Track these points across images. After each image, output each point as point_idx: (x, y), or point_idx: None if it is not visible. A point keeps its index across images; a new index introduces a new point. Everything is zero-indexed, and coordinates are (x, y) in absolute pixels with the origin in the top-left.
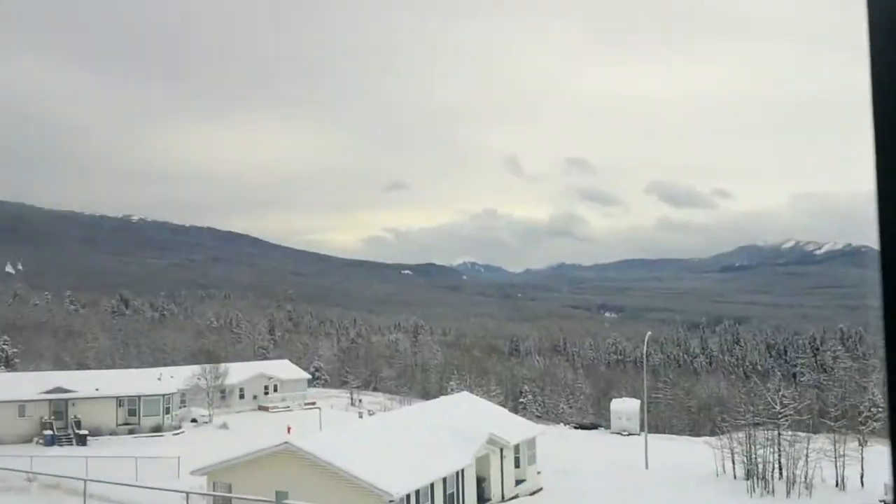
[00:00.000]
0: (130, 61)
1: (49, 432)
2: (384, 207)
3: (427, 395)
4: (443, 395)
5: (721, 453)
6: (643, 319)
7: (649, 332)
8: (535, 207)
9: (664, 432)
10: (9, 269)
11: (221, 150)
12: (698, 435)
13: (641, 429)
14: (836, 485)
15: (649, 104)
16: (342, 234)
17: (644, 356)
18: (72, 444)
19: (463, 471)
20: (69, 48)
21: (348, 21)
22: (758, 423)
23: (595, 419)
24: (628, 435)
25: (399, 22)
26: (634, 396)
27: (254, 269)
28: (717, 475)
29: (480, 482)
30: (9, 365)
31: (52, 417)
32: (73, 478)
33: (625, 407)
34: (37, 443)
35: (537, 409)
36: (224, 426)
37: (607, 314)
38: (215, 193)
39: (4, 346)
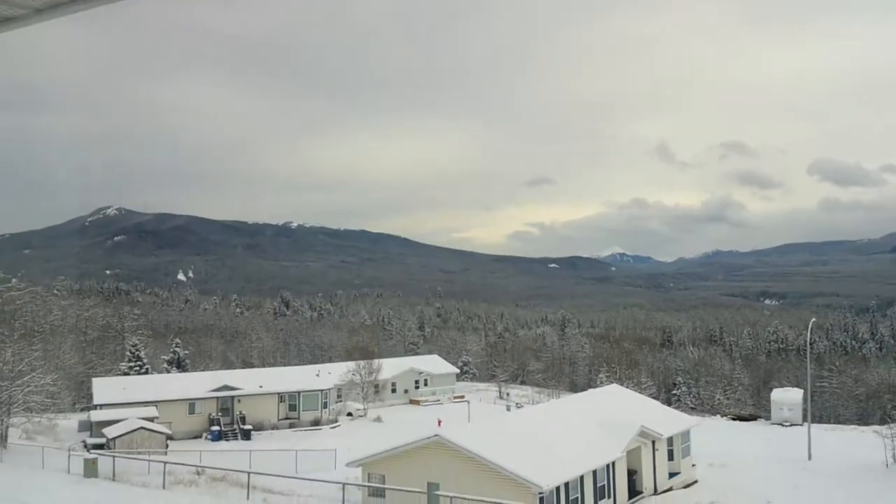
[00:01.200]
0: (286, 79)
1: (216, 428)
2: (529, 203)
3: (575, 388)
4: (591, 387)
5: (892, 443)
6: (807, 306)
7: (813, 319)
8: (687, 194)
9: (829, 422)
10: (181, 276)
11: (370, 157)
12: (867, 424)
13: (804, 419)
14: None
15: (806, 82)
16: (488, 231)
17: (808, 343)
18: (237, 439)
19: (614, 463)
20: (228, 69)
21: (490, 27)
22: None
23: (754, 410)
24: (790, 426)
25: (541, 21)
26: (797, 386)
27: (404, 268)
28: (887, 466)
29: (632, 475)
30: (180, 366)
31: (220, 414)
32: (237, 470)
33: (786, 397)
34: (205, 438)
35: (691, 401)
36: (378, 419)
37: (767, 301)
38: (366, 198)
39: (177, 349)
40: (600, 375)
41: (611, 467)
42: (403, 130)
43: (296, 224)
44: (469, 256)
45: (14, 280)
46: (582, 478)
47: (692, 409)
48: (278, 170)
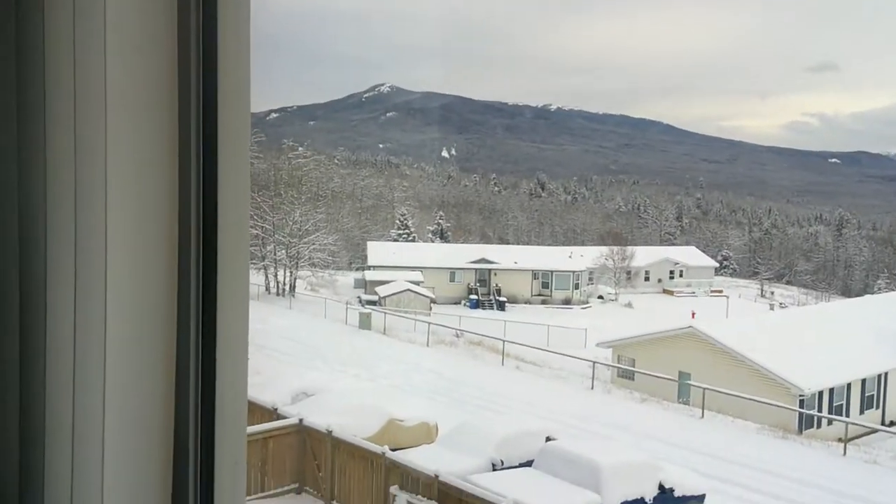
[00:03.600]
0: None
1: (474, 297)
2: (809, 90)
3: (848, 293)
4: (868, 294)
5: None
6: None
7: None
8: None
9: None
10: (444, 153)
11: (635, 38)
12: None
13: None
14: None
15: None
16: (759, 120)
17: None
18: (493, 309)
19: (886, 374)
20: None
21: None
22: None
23: None
24: None
25: None
26: None
27: (664, 156)
28: None
29: None
30: (443, 237)
31: (477, 284)
32: (493, 337)
33: None
34: (463, 305)
35: None
36: (629, 305)
37: None
38: (629, 81)
39: (440, 221)
40: (879, 281)
41: (883, 377)
42: (672, 9)
43: (555, 107)
44: (737, 146)
45: (301, 148)
46: (849, 385)
47: None
48: (538, 51)
